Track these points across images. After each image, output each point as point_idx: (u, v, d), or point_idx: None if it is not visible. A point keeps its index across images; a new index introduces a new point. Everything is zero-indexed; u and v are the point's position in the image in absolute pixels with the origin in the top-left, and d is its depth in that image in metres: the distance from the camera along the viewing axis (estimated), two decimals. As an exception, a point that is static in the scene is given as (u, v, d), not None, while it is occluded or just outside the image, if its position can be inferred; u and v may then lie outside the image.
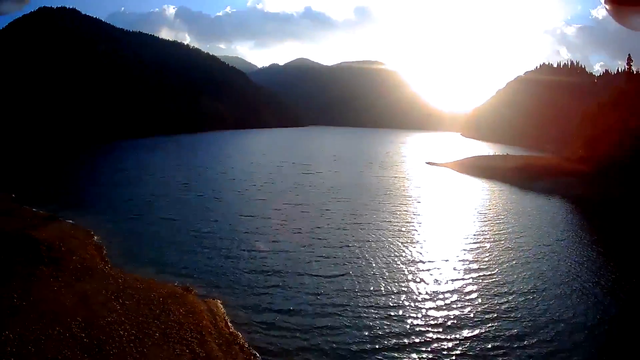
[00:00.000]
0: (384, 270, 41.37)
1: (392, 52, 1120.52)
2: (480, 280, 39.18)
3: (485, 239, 53.20)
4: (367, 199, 75.31)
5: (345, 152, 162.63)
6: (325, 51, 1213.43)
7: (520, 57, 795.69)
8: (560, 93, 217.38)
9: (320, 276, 39.15)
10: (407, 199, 77.78)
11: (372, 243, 49.96)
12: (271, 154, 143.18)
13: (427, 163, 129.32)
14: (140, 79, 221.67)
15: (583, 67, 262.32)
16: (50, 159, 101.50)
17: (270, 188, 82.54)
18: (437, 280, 39.43)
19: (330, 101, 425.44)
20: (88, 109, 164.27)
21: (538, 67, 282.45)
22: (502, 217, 65.72)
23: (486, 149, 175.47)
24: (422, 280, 39.52)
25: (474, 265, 43.49)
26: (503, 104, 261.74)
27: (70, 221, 51.05)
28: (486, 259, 45.38)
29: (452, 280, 39.63)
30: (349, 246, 48.22)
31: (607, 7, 4.37)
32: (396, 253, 46.50)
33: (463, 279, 39.59)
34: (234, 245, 46.78)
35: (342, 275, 39.72)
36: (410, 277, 40.14)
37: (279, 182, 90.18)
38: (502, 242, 52.00)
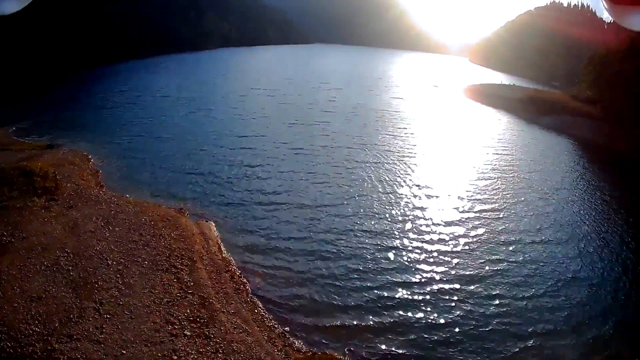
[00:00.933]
0: (387, 196, 41.00)
1: None
2: (485, 215, 38.83)
3: (491, 170, 53.21)
4: (372, 119, 74.04)
5: (350, 71, 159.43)
6: None
7: None
8: (569, 33, 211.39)
9: (323, 202, 38.67)
10: (412, 122, 76.52)
11: (375, 166, 49.68)
12: (275, 73, 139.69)
13: (434, 86, 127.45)
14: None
15: (593, 10, 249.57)
16: (48, 83, 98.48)
17: (274, 107, 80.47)
18: (441, 209, 39.25)
19: (336, 20, 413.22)
20: (87, 29, 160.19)
21: (548, 3, 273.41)
22: (508, 149, 65.42)
23: (493, 77, 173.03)
24: (424, 209, 39.20)
25: (479, 196, 43.32)
26: (512, 35, 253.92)
27: (69, 147, 49.81)
28: (491, 192, 45.17)
29: (457, 210, 39.65)
30: (350, 168, 47.61)
31: (606, 5, 4.49)
32: (400, 179, 46.37)
33: (467, 212, 39.43)
34: (232, 167, 46.17)
35: (345, 199, 39.23)
36: (412, 204, 39.91)
37: (283, 101, 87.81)
38: (508, 175, 51.74)
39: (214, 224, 32.19)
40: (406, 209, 38.50)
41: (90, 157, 46.44)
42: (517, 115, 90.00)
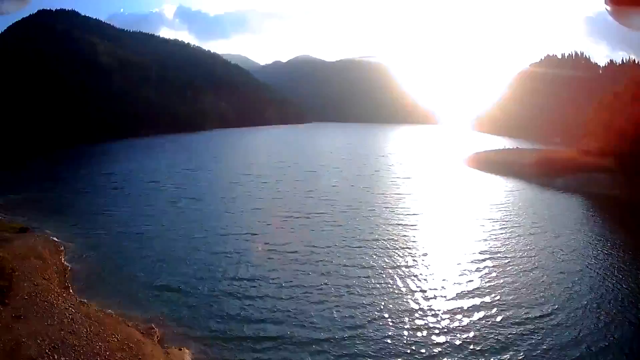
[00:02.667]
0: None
1: (393, 46, 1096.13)
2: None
3: (510, 246, 46.82)
4: (376, 205, 68.48)
5: (349, 150, 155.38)
6: (327, 46, 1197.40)
7: (523, 49, 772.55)
8: (565, 85, 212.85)
9: (334, 333, 29.94)
10: (418, 203, 70.60)
11: (382, 242, 46.29)
12: (270, 155, 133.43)
13: (439, 159, 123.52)
14: (141, 78, 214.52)
15: (587, 57, 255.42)
16: (40, 160, 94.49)
17: (273, 195, 73.10)
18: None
19: (333, 97, 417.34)
20: (86, 108, 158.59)
21: (542, 59, 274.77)
22: (525, 219, 59.05)
23: (493, 142, 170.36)
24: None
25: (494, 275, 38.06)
26: (511, 98, 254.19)
27: (42, 233, 44.84)
28: (513, 271, 39.60)
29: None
30: (361, 278, 41.41)
31: (607, 7, 4.44)
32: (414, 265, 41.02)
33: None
34: (219, 279, 37.14)
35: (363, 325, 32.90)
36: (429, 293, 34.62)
37: (277, 189, 79.03)
38: (529, 248, 46.05)
39: (189, 352, 25.50)
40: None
41: (62, 248, 41.34)
42: (529, 180, 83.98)
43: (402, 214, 59.57)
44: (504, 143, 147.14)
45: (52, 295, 29.52)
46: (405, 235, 50.01)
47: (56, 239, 43.60)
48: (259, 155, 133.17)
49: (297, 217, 57.72)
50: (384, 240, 47.69)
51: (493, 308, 32.17)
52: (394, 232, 50.99)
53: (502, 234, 51.40)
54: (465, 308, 32.08)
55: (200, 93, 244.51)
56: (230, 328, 28.76)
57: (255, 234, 49.99)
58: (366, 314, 31.07)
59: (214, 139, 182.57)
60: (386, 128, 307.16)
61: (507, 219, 58.53)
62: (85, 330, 25.24)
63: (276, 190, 77.93)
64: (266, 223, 54.83)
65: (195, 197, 69.49)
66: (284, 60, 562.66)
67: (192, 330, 28.23)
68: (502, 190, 79.26)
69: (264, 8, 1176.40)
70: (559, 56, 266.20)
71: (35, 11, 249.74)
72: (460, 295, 34.21)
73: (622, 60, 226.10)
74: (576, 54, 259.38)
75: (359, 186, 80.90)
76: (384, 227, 52.76)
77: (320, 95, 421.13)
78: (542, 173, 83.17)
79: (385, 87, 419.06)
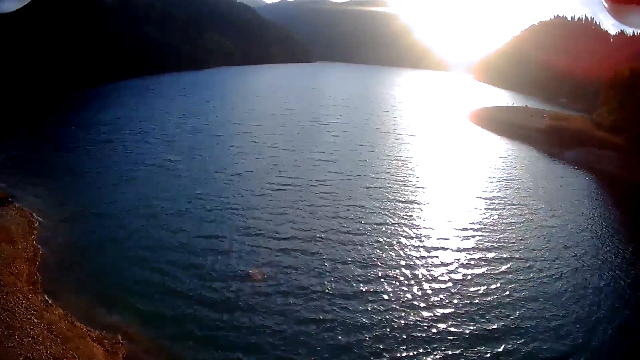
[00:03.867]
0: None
1: None
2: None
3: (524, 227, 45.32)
4: (379, 164, 65.51)
5: (353, 95, 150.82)
6: None
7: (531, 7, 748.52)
8: (575, 47, 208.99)
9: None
10: (421, 164, 67.95)
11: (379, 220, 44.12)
12: (274, 99, 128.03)
13: (443, 112, 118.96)
14: (144, 17, 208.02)
15: (598, 23, 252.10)
16: (31, 112, 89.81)
17: (266, 155, 67.32)
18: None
19: (340, 38, 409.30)
20: (87, 50, 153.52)
21: (552, 18, 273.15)
22: (538, 194, 56.59)
23: (498, 96, 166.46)
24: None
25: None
26: (516, 52, 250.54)
27: (20, 204, 41.42)
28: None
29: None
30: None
31: (606, 5, 4.42)
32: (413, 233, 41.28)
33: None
34: (211, 268, 32.91)
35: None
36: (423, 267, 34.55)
37: (281, 148, 71.98)
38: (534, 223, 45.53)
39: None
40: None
41: (36, 225, 37.87)
42: (537, 148, 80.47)
43: (402, 184, 56.60)
44: (510, 99, 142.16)
45: (17, 300, 26.59)
46: (404, 209, 47.81)
47: (32, 213, 40.07)
48: (259, 100, 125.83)
49: (292, 186, 53.52)
50: (380, 218, 45.00)
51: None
52: (393, 208, 48.20)
53: (512, 211, 49.51)
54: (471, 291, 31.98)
55: (204, 31, 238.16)
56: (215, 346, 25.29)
57: (255, 208, 45.81)
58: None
59: (215, 78, 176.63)
60: (393, 72, 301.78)
61: (516, 193, 56.45)
62: (45, 352, 22.47)
63: (273, 146, 72.59)
64: (262, 189, 51.51)
65: (184, 156, 64.12)
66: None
67: (166, 345, 24.90)
68: (510, 157, 75.87)
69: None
70: (569, 18, 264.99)
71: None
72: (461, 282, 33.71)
73: (633, 32, 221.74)
74: (586, 18, 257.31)
75: (360, 147, 76.28)
76: (384, 203, 49.56)
77: (328, 36, 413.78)
78: (553, 142, 79.14)
79: (395, 31, 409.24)
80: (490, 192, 55.55)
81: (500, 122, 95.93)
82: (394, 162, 67.30)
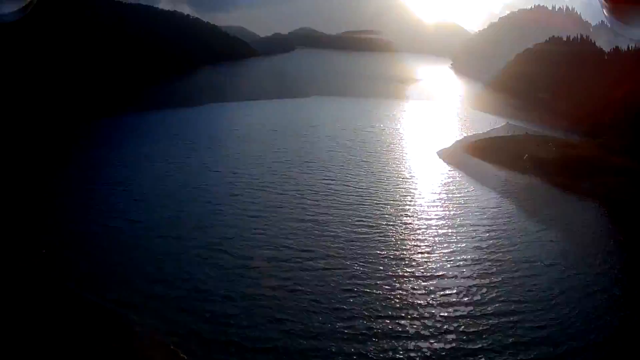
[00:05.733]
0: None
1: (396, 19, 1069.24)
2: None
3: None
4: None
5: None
6: (328, 19, 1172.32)
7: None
8: (570, 67, 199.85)
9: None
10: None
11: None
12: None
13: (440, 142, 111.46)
14: (138, 54, 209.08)
15: (593, 41, 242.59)
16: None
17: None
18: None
19: (334, 71, 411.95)
20: (82, 85, 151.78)
21: (533, 7, 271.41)
22: (552, 227, 52.61)
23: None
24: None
25: None
26: (496, 41, 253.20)
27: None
28: None
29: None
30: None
31: (606, 13, 4.46)
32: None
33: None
34: None
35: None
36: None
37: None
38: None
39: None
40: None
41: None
42: (549, 180, 75.12)
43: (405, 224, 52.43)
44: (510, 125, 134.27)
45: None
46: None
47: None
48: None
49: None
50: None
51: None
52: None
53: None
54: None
55: (198, 67, 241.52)
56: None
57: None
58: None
59: (206, 117, 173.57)
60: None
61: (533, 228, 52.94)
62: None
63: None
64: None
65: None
66: (285, 32, 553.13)
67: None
68: (523, 193, 70.82)
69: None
70: (564, 38, 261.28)
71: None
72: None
73: (628, 47, 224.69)
74: (582, 36, 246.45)
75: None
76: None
77: (322, 69, 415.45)
78: (567, 174, 73.89)
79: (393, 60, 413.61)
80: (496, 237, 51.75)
81: (503, 151, 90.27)
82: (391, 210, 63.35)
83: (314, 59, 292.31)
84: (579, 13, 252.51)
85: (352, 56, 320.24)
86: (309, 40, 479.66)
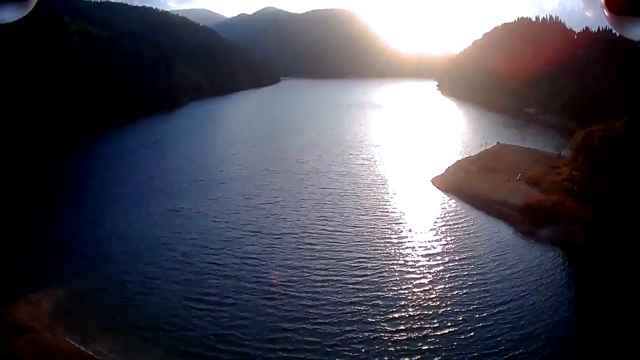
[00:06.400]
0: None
1: None
2: None
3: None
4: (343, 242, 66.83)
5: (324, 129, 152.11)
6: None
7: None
8: (539, 50, 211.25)
9: None
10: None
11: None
12: (241, 144, 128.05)
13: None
14: (112, 57, 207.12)
15: (563, 22, 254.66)
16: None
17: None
18: None
19: (302, 52, 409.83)
20: (59, 99, 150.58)
21: (516, 20, 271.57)
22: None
23: (466, 117, 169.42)
24: None
25: None
26: (479, 58, 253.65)
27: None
28: None
29: None
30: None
31: (606, 14, 4.43)
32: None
33: None
34: None
35: None
36: None
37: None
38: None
39: None
40: None
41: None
42: (515, 226, 78.42)
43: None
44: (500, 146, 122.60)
45: None
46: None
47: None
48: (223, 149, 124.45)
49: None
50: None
51: None
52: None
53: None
54: None
55: (172, 64, 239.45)
56: None
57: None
58: None
59: (185, 124, 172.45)
60: (357, 89, 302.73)
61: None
62: None
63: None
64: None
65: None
66: (250, 12, 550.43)
67: None
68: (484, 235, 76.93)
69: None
70: (533, 19, 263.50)
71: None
72: None
73: (598, 28, 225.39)
74: (551, 17, 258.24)
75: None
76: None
77: (291, 49, 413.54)
78: (527, 221, 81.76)
79: (361, 39, 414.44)
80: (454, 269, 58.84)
81: (472, 194, 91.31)
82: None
83: (302, 89, 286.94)
84: (563, 21, 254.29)
85: (338, 84, 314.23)
86: (276, 19, 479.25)
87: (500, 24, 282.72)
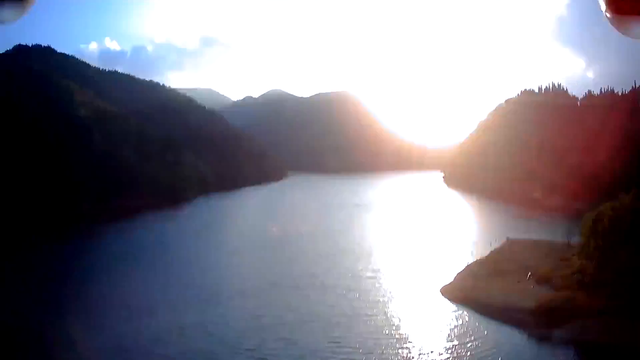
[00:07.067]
0: None
1: (365, 79, 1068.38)
2: None
3: None
4: None
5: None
6: (299, 79, 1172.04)
7: (504, 75, 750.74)
8: (544, 123, 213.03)
9: None
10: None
11: None
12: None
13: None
14: (121, 134, 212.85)
15: (565, 89, 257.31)
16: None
17: None
18: None
19: (308, 142, 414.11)
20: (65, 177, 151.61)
21: (519, 94, 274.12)
22: None
23: (474, 211, 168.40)
24: None
25: None
26: (485, 142, 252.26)
27: None
28: None
29: None
30: None
31: (608, 15, 4.44)
32: None
33: None
34: None
35: None
36: None
37: None
38: None
39: None
40: None
41: None
42: (529, 331, 75.64)
43: None
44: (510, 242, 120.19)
45: None
46: None
47: None
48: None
49: None
50: None
51: None
52: None
53: None
54: None
55: (180, 153, 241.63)
56: None
57: None
58: None
59: (191, 226, 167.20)
60: (363, 183, 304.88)
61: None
62: None
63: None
64: None
65: None
66: (255, 95, 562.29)
67: None
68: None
69: (227, 39, 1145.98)
70: (536, 90, 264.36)
71: (12, 48, 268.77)
72: None
73: (601, 90, 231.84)
74: (554, 85, 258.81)
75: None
76: None
77: (297, 139, 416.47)
78: (541, 323, 78.99)
79: (366, 128, 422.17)
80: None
81: (484, 303, 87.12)
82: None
83: (308, 187, 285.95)
84: (565, 88, 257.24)
85: (343, 181, 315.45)
86: (282, 103, 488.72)
87: (504, 101, 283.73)
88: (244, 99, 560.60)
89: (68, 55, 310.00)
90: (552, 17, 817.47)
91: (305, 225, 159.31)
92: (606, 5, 4.41)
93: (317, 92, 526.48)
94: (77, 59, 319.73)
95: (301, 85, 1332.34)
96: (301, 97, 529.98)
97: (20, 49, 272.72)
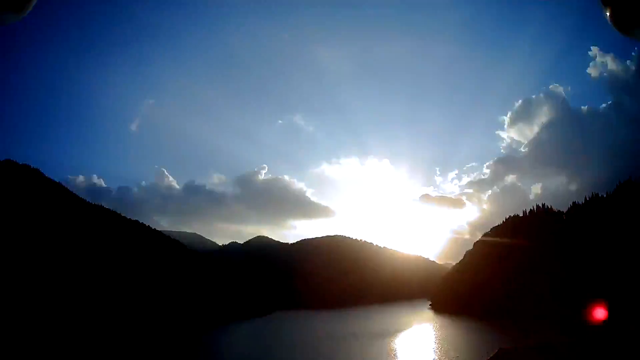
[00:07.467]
0: None
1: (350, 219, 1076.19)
2: None
3: None
4: None
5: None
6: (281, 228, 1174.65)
7: None
8: (528, 247, 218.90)
9: None
10: None
11: None
12: None
13: None
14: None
15: (549, 206, 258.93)
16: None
17: None
18: None
19: (294, 282, 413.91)
20: None
21: (505, 220, 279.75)
22: None
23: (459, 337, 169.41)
24: None
25: None
26: (472, 270, 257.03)
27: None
28: None
29: None
30: None
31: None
32: None
33: None
34: None
35: None
36: None
37: None
38: None
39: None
40: None
41: None
42: None
43: None
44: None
45: None
46: None
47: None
48: None
49: None
50: None
51: None
52: None
53: None
54: None
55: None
56: None
57: None
58: None
59: None
60: (349, 318, 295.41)
61: None
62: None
63: None
64: None
65: None
66: (241, 241, 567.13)
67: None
68: None
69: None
70: (520, 214, 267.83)
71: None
72: None
73: (585, 198, 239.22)
74: (538, 207, 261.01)
75: None
76: None
77: (282, 280, 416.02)
78: None
79: (351, 264, 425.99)
80: None
81: None
82: None
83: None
84: (549, 206, 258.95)
85: (330, 317, 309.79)
86: (266, 249, 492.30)
87: (490, 229, 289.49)
88: (230, 244, 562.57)
89: (54, 180, 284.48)
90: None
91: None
92: (611, 19, 4.51)
93: (302, 238, 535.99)
94: (64, 186, 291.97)
95: (284, 234, 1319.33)
96: (285, 243, 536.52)
97: (7, 165, 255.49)
